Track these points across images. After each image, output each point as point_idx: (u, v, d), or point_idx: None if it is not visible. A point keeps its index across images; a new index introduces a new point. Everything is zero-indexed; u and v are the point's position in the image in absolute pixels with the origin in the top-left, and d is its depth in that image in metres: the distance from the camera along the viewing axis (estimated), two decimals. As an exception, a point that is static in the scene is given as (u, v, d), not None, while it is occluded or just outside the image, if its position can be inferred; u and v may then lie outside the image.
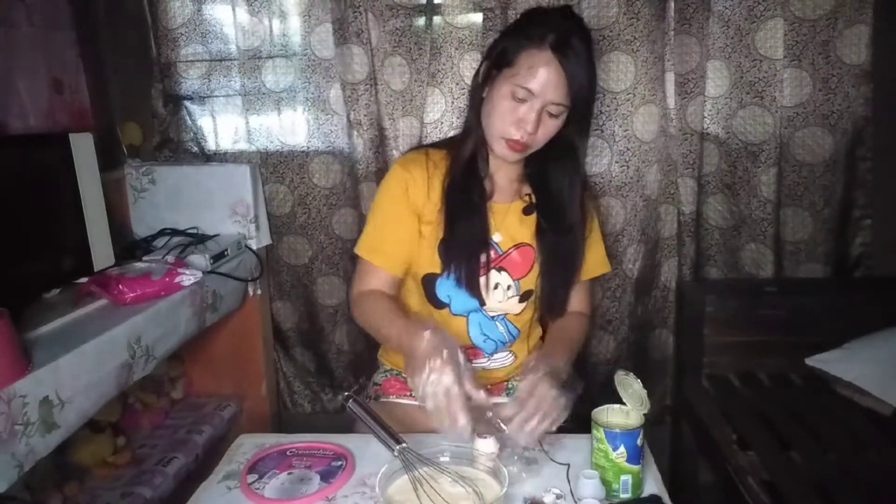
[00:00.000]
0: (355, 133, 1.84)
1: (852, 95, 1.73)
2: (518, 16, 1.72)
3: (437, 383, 0.96)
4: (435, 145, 1.35)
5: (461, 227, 1.22)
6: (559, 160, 1.26)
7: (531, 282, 1.28)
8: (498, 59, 1.19)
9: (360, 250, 1.28)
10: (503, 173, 1.29)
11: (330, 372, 2.07)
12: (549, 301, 1.30)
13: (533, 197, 1.30)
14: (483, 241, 1.23)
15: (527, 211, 1.29)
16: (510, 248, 1.27)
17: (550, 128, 1.18)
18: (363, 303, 1.25)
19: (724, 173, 1.83)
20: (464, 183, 1.24)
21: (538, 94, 1.13)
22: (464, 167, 1.25)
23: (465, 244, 1.22)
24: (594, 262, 1.37)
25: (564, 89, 1.14)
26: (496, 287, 1.27)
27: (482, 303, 1.26)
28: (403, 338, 1.09)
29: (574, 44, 1.13)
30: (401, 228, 1.25)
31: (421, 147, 1.34)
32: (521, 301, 1.29)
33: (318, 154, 1.91)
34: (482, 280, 1.24)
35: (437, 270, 1.25)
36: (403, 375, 1.38)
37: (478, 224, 1.23)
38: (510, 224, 1.27)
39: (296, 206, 1.95)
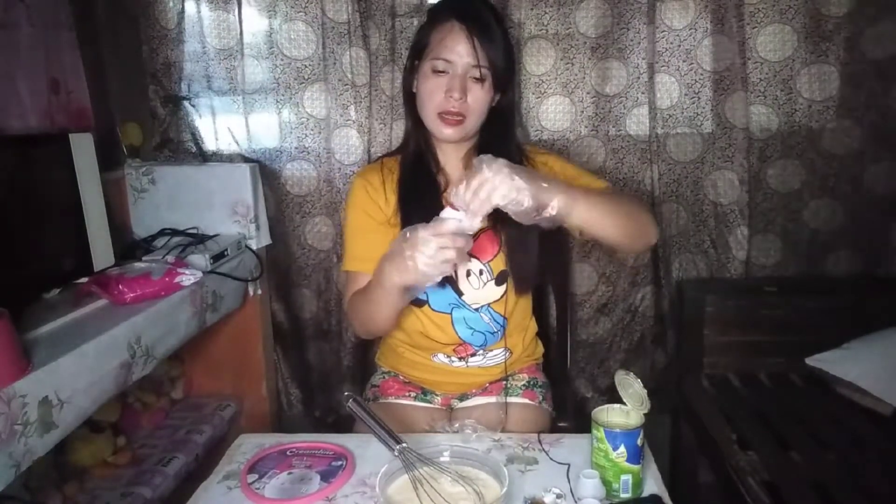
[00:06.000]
0: (354, 135, 1.86)
1: (878, 90, 1.74)
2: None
3: (408, 243, 0.99)
4: (389, 154, 1.40)
5: (416, 221, 1.23)
6: (499, 136, 1.30)
7: (502, 262, 1.29)
8: (416, 50, 1.28)
9: (345, 266, 1.30)
10: (453, 164, 1.32)
11: (329, 373, 2.07)
12: (518, 274, 1.30)
13: None
14: None
15: None
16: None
17: (479, 94, 1.22)
18: (350, 305, 1.26)
19: (739, 168, 1.82)
20: (414, 179, 1.29)
21: (454, 61, 1.20)
22: (412, 166, 1.30)
23: None
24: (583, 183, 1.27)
25: (478, 51, 1.20)
26: (468, 274, 1.27)
27: (460, 293, 1.27)
28: (377, 276, 1.09)
29: (477, 10, 1.22)
30: (375, 233, 1.27)
31: (377, 159, 1.39)
32: (498, 284, 1.29)
33: (315, 155, 1.91)
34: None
35: None
36: (401, 377, 1.38)
37: (432, 215, 1.23)
38: None
39: (293, 208, 1.95)
